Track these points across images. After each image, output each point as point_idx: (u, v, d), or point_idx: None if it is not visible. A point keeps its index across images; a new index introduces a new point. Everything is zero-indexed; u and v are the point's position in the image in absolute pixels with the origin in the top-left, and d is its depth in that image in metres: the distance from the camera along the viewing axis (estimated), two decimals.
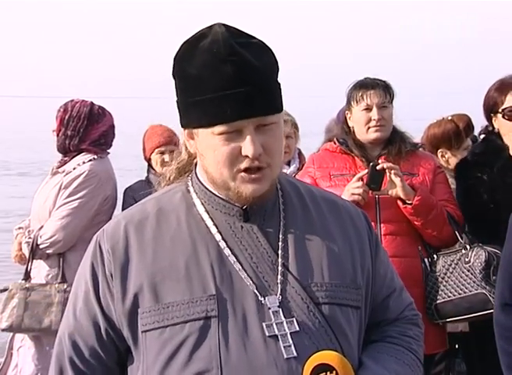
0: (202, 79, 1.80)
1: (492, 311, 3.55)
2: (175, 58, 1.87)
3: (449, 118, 4.75)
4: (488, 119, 3.90)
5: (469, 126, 4.77)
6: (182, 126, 1.91)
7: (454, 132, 4.69)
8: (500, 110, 3.79)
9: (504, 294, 2.59)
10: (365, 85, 3.96)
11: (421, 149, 4.09)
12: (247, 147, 1.80)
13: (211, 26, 1.84)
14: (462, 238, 3.84)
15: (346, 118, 4.03)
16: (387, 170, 3.77)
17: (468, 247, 3.75)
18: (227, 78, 1.78)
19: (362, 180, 3.78)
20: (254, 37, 1.85)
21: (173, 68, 1.88)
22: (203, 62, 1.80)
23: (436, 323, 3.80)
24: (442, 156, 4.71)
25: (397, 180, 3.76)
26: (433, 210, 3.79)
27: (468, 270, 3.70)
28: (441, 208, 3.83)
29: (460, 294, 3.70)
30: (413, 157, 3.96)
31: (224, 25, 1.84)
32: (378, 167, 3.77)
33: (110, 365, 1.93)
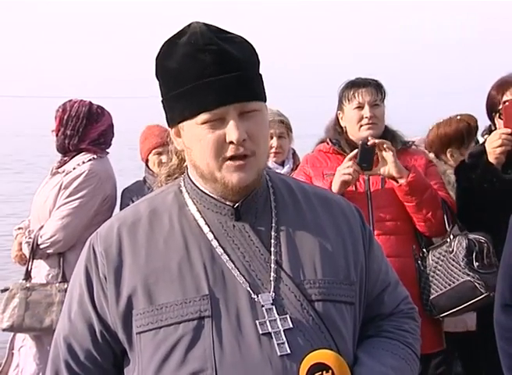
0: (182, 70, 1.81)
1: (481, 297, 3.56)
2: (156, 58, 1.88)
3: (458, 117, 4.73)
4: (491, 118, 3.82)
5: (477, 126, 4.77)
6: (168, 124, 1.91)
7: (467, 130, 4.68)
8: (499, 109, 3.67)
9: (504, 295, 2.58)
10: (357, 84, 3.95)
11: (413, 147, 4.08)
12: (231, 132, 1.80)
13: (189, 24, 1.86)
14: (451, 226, 3.78)
15: (338, 118, 4.02)
16: (378, 147, 3.73)
17: (452, 237, 3.73)
18: (206, 66, 1.79)
19: (354, 161, 3.72)
20: (233, 34, 1.87)
21: (155, 68, 1.89)
22: (182, 54, 1.81)
23: (437, 318, 3.78)
24: (452, 156, 4.68)
25: (389, 156, 3.72)
26: (428, 189, 3.76)
27: (453, 260, 3.67)
28: (435, 191, 3.80)
29: (450, 285, 3.66)
30: (404, 155, 3.93)
31: (203, 23, 1.85)
32: (368, 143, 3.73)
33: (106, 367, 1.93)
